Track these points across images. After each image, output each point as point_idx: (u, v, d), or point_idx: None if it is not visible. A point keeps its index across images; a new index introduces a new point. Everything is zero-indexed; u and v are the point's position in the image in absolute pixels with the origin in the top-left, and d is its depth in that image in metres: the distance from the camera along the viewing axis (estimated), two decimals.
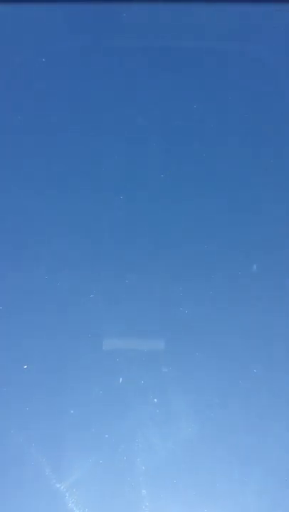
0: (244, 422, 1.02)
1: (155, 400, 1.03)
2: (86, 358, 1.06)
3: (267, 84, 1.26)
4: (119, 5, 1.29)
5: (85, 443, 1.01)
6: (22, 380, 1.04)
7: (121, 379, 1.04)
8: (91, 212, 1.16)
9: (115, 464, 1.00)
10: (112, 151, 1.21)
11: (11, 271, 1.12)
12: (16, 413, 1.03)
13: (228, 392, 1.04)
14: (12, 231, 1.15)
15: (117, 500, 0.99)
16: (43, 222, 1.15)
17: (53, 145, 1.22)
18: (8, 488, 1.00)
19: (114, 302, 1.09)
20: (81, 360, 1.05)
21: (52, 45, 1.29)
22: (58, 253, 1.13)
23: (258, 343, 1.07)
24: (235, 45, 1.29)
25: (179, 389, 1.04)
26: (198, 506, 0.98)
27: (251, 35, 1.30)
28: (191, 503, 0.99)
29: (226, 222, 1.15)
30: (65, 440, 1.02)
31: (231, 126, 1.24)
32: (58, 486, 0.99)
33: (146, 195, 1.18)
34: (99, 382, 1.04)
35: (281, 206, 1.16)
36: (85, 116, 1.23)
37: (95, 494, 0.99)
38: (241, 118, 1.24)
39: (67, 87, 1.26)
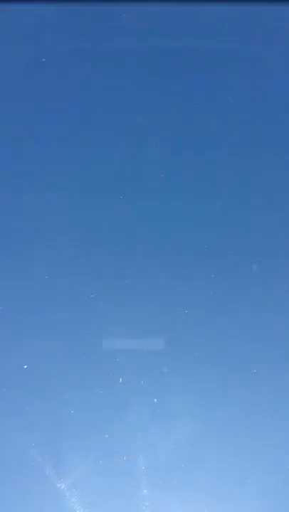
0: (244, 422, 1.03)
1: (155, 400, 1.03)
2: (86, 358, 1.06)
3: (267, 84, 1.26)
4: (119, 5, 1.29)
5: (85, 443, 1.02)
6: (22, 380, 1.04)
7: (121, 379, 1.04)
8: (91, 213, 1.16)
9: (115, 463, 1.00)
10: (112, 151, 1.21)
11: (11, 271, 1.12)
12: (17, 413, 1.03)
13: (227, 392, 1.04)
14: (12, 231, 1.15)
15: (117, 500, 0.99)
16: (43, 222, 1.15)
17: (54, 145, 1.21)
18: (8, 488, 1.00)
19: (115, 302, 1.09)
20: (81, 360, 1.06)
21: (52, 45, 1.29)
22: (58, 253, 1.13)
23: (258, 343, 1.07)
24: (235, 45, 1.29)
25: (179, 389, 1.04)
26: (199, 506, 0.99)
27: (251, 35, 1.29)
28: (191, 503, 0.99)
29: (226, 222, 1.16)
30: (65, 440, 1.02)
31: (231, 125, 1.24)
32: (58, 485, 0.99)
33: (146, 195, 1.18)
34: (99, 382, 1.04)
35: (281, 206, 1.17)
36: (85, 116, 1.23)
37: (95, 494, 1.00)
38: (241, 117, 1.24)
39: (68, 87, 1.26)
